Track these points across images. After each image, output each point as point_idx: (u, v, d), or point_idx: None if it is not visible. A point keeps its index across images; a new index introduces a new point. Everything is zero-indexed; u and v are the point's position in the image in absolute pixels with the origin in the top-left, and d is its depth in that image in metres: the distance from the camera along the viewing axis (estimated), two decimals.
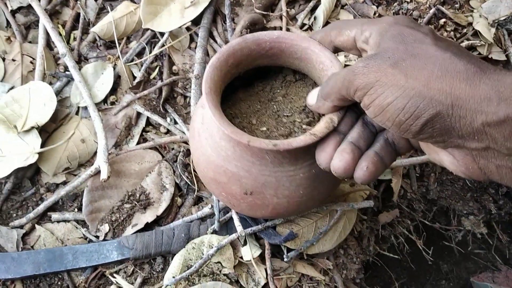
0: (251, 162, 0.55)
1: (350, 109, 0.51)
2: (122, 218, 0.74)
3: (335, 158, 0.48)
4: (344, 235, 0.77)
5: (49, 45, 0.86)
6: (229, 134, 0.50)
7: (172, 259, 0.72)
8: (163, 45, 0.84)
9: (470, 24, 0.95)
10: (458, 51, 0.41)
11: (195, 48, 0.86)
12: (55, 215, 0.74)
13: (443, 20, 0.93)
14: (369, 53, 0.46)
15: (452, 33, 0.93)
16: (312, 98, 0.52)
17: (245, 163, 0.55)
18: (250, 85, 0.65)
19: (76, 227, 0.75)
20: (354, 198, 0.79)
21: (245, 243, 0.75)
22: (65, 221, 0.75)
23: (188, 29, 0.87)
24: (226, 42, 0.88)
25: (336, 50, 0.54)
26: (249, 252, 0.73)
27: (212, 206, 0.76)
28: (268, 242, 0.74)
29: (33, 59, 0.84)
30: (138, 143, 0.81)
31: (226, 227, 0.76)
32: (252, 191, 0.57)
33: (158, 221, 0.77)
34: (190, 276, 0.70)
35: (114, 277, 0.72)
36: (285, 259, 0.74)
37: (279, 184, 0.56)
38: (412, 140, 0.48)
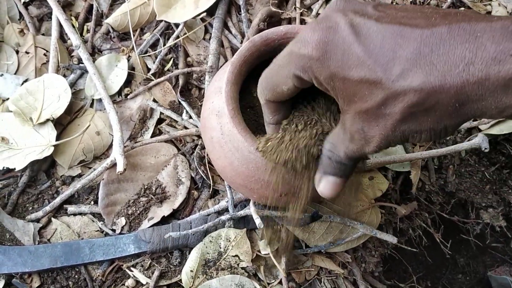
0: (285, 171, 0.55)
1: None
2: (138, 212, 0.73)
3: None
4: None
5: (62, 37, 0.85)
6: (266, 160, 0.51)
7: (189, 253, 0.71)
8: (178, 37, 0.83)
9: (489, 13, 0.93)
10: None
11: (209, 39, 0.85)
12: (71, 208, 0.74)
13: (462, 9, 0.91)
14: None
15: None
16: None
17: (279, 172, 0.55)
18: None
19: (93, 220, 0.74)
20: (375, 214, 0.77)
21: (262, 237, 0.74)
22: (81, 214, 0.74)
23: (202, 20, 0.86)
24: (241, 33, 0.86)
25: None
26: (267, 248, 0.72)
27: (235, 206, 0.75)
28: (286, 235, 0.73)
29: (47, 51, 0.83)
30: (153, 135, 0.80)
31: (243, 219, 0.75)
32: (287, 192, 0.57)
33: (174, 215, 0.76)
34: (208, 270, 0.70)
35: (131, 271, 0.71)
36: (307, 250, 0.73)
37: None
38: None
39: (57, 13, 0.82)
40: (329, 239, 0.74)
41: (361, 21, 0.38)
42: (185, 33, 0.83)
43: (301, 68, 0.41)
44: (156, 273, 0.71)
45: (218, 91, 0.59)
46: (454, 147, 0.78)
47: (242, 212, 0.72)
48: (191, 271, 0.69)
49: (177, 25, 0.84)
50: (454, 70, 0.34)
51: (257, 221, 0.68)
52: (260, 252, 0.72)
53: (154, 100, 0.81)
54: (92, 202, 0.75)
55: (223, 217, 0.72)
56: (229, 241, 0.71)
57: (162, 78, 0.80)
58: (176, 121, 0.81)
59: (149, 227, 0.72)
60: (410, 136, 0.39)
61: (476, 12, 0.36)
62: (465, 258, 1.24)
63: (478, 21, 0.34)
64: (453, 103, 0.35)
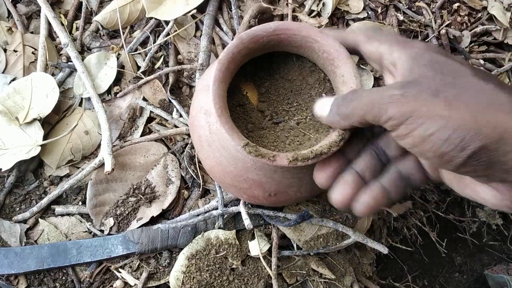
0: (273, 170, 0.54)
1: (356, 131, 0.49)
2: (127, 212, 0.72)
3: (336, 189, 0.46)
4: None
5: (51, 35, 0.84)
6: (253, 159, 0.49)
7: (178, 253, 0.70)
8: (168, 34, 0.82)
9: (485, 8, 0.91)
10: (498, 82, 0.39)
11: (200, 36, 0.83)
12: (59, 209, 0.73)
13: (457, 4, 0.90)
14: (398, 77, 0.43)
15: (466, 17, 0.89)
16: (321, 109, 0.48)
17: (267, 171, 0.54)
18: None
19: (81, 221, 0.73)
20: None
21: (253, 237, 0.73)
22: (69, 214, 0.73)
23: (193, 17, 0.84)
24: (232, 30, 0.85)
25: (353, 53, 0.51)
26: (257, 247, 0.71)
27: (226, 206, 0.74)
28: (277, 236, 0.73)
29: (35, 49, 0.82)
30: (143, 134, 0.79)
31: (234, 220, 0.74)
32: (276, 192, 0.56)
33: (164, 215, 0.75)
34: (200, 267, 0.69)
35: (119, 272, 0.71)
36: (297, 252, 0.72)
37: (302, 183, 0.56)
38: (432, 174, 0.46)
39: (46, 11, 0.81)
40: (319, 241, 0.73)
41: None
42: (176, 31, 0.82)
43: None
44: (144, 275, 0.70)
45: (206, 89, 0.57)
46: None
47: (234, 209, 0.71)
48: (181, 272, 0.68)
49: (167, 23, 0.83)
50: None
51: (246, 221, 0.67)
52: (250, 253, 0.71)
53: (144, 99, 0.80)
54: (80, 203, 0.74)
55: (214, 212, 0.71)
56: (219, 242, 0.70)
57: (152, 76, 0.79)
58: (166, 120, 0.80)
59: (137, 228, 0.71)
60: None
61: None
62: (462, 256, 1.23)
63: None
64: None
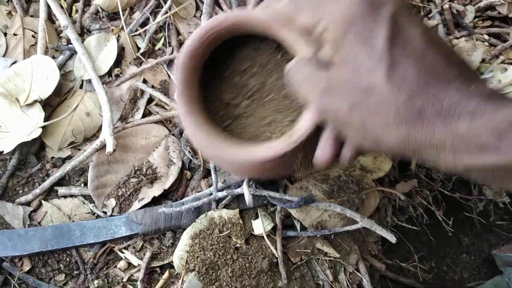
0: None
1: None
2: (128, 193, 0.72)
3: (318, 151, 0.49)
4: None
5: (50, 18, 0.83)
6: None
7: (182, 234, 0.70)
8: (166, 12, 0.81)
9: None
10: (417, 84, 0.37)
11: (201, 16, 0.83)
12: (62, 190, 0.73)
13: None
14: (327, 52, 0.43)
15: None
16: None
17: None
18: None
19: (84, 203, 0.73)
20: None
21: (256, 217, 0.72)
22: (72, 196, 0.73)
23: None
24: (232, 9, 0.84)
25: None
26: (260, 226, 0.70)
27: (224, 181, 0.73)
28: (281, 217, 0.72)
29: (35, 33, 0.82)
30: (143, 115, 0.78)
31: (237, 199, 0.73)
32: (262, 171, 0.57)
33: (167, 196, 0.74)
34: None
35: (122, 253, 0.70)
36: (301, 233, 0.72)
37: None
38: None
39: None
40: (325, 223, 0.73)
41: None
42: (175, 9, 0.81)
43: None
44: (148, 254, 0.69)
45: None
46: None
47: (239, 190, 0.70)
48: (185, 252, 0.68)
49: (166, 2, 0.82)
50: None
51: (248, 198, 0.66)
52: (253, 232, 0.71)
53: (144, 81, 0.79)
54: (83, 184, 0.74)
55: (219, 194, 0.70)
56: (222, 221, 0.70)
57: (155, 61, 0.78)
58: (166, 102, 0.79)
59: (140, 208, 0.71)
60: None
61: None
62: (469, 237, 1.22)
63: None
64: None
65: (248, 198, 0.65)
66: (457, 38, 0.85)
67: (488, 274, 1.20)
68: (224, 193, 0.70)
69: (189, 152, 0.75)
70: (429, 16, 0.86)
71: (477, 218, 1.01)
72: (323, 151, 0.47)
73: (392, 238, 0.67)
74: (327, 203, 0.70)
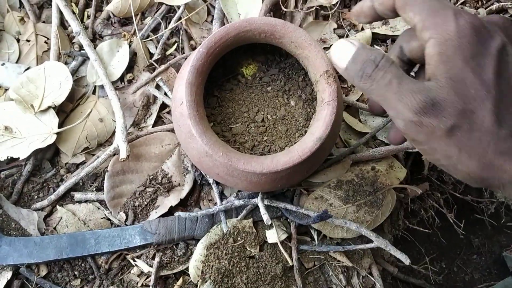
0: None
1: None
2: (145, 203, 0.72)
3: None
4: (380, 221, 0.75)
5: (63, 24, 0.84)
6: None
7: (195, 245, 0.70)
8: (179, 18, 0.81)
9: None
10: None
11: (212, 21, 0.83)
12: (77, 195, 0.73)
13: None
14: (427, 70, 0.41)
15: None
16: (339, 57, 0.46)
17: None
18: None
19: (98, 208, 0.73)
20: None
21: (270, 226, 0.72)
22: (87, 201, 0.73)
23: (204, 0, 0.84)
24: None
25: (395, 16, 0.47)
26: (274, 235, 0.70)
27: (237, 194, 0.74)
28: (295, 226, 0.72)
29: (48, 39, 0.82)
30: (155, 121, 0.79)
31: (250, 211, 0.73)
32: (265, 182, 0.60)
33: (182, 204, 0.75)
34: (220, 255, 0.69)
35: (135, 261, 0.71)
36: (315, 248, 0.72)
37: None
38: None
39: (57, 0, 0.81)
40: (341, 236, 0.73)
41: None
42: (187, 15, 0.82)
43: None
44: (157, 259, 0.70)
45: (182, 79, 0.58)
46: None
47: (255, 200, 0.70)
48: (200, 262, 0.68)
49: (179, 8, 0.82)
50: None
51: (265, 217, 0.66)
52: (267, 240, 0.71)
53: (157, 86, 0.80)
54: (96, 190, 0.74)
55: (236, 202, 0.71)
56: (236, 231, 0.70)
57: (166, 65, 0.79)
58: None
59: (155, 219, 0.71)
60: None
61: None
62: (480, 238, 1.21)
63: None
64: None
65: (265, 217, 0.66)
66: None
67: (498, 275, 1.20)
68: (241, 201, 0.70)
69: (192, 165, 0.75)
70: None
71: (488, 220, 1.01)
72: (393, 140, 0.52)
73: (406, 260, 0.67)
74: (343, 220, 0.70)
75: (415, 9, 0.42)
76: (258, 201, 0.69)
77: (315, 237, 0.74)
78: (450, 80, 0.39)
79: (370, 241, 0.70)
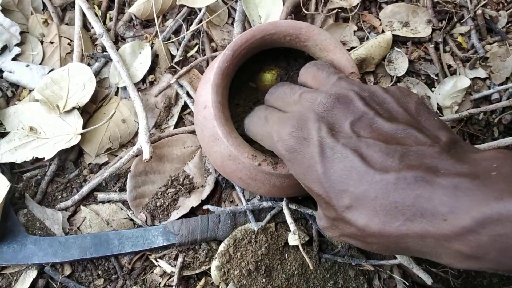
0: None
1: None
2: (167, 203, 0.73)
3: None
4: None
5: (85, 26, 0.85)
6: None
7: (218, 245, 0.71)
8: (201, 21, 0.82)
9: None
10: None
11: (233, 23, 0.83)
12: (101, 195, 0.74)
13: None
14: None
15: None
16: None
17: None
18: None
19: (121, 208, 0.74)
20: None
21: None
22: (110, 201, 0.74)
23: (225, 2, 0.84)
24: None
25: None
26: (296, 239, 0.71)
27: (261, 198, 0.74)
28: (317, 228, 0.72)
29: (71, 40, 0.83)
30: (177, 123, 0.79)
31: (271, 212, 0.73)
32: (288, 186, 0.60)
33: (203, 205, 0.75)
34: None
35: (157, 261, 0.71)
36: (337, 258, 0.72)
37: None
38: None
39: (80, 2, 0.81)
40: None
41: (330, 142, 0.40)
42: (208, 17, 0.82)
43: (274, 148, 0.48)
44: (179, 260, 0.70)
45: (207, 82, 0.59)
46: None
47: (281, 204, 0.71)
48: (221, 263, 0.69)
49: (200, 10, 0.83)
50: (394, 223, 0.36)
51: (292, 226, 0.66)
52: (288, 243, 0.71)
53: (180, 85, 0.80)
54: (119, 190, 0.75)
55: (264, 203, 0.71)
56: (258, 233, 0.70)
57: (184, 69, 0.79)
58: None
59: (177, 219, 0.72)
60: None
61: (444, 153, 0.38)
62: None
63: (434, 173, 0.35)
64: (393, 246, 0.38)
65: (292, 227, 0.66)
66: (490, 43, 0.85)
67: None
68: (269, 203, 0.71)
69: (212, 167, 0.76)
70: (462, 21, 0.86)
71: None
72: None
73: (428, 280, 0.68)
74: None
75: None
76: (283, 206, 0.69)
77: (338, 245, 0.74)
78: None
79: (394, 257, 0.71)
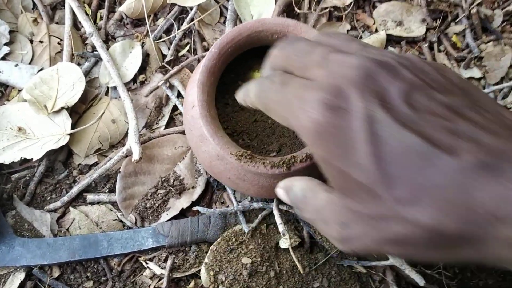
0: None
1: None
2: (157, 205, 0.72)
3: None
4: None
5: (76, 25, 0.84)
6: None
7: (208, 247, 0.70)
8: (192, 20, 0.81)
9: None
10: None
11: (225, 22, 0.83)
12: (90, 196, 0.73)
13: None
14: None
15: None
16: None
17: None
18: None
19: (111, 210, 0.73)
20: None
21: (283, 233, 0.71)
22: (99, 203, 0.73)
23: (217, 1, 0.83)
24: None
25: None
26: (287, 241, 0.70)
27: (251, 199, 0.73)
28: (308, 232, 0.72)
29: (61, 40, 0.82)
30: (168, 123, 0.78)
31: (262, 213, 0.72)
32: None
33: (194, 206, 0.74)
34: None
35: (147, 263, 0.71)
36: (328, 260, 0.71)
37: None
38: None
39: (70, 1, 0.81)
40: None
41: (381, 116, 0.31)
42: (199, 16, 0.81)
43: (293, 120, 0.36)
44: (169, 262, 0.69)
45: (195, 81, 0.58)
46: None
47: (271, 205, 0.70)
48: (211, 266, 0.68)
49: (191, 9, 0.82)
50: (477, 221, 0.27)
51: (281, 227, 0.66)
52: (279, 246, 0.70)
53: (170, 86, 0.79)
54: (109, 191, 0.74)
55: (255, 204, 0.70)
56: (248, 235, 0.70)
57: (175, 69, 0.78)
58: None
59: (167, 221, 0.71)
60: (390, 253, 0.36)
61: None
62: None
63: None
64: (471, 253, 0.29)
65: (281, 228, 0.65)
66: (485, 43, 0.84)
67: None
68: (260, 204, 0.70)
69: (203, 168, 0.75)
70: (456, 21, 0.85)
71: None
72: None
73: (420, 281, 0.67)
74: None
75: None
76: (273, 207, 0.68)
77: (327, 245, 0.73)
78: None
79: (386, 257, 0.70)
